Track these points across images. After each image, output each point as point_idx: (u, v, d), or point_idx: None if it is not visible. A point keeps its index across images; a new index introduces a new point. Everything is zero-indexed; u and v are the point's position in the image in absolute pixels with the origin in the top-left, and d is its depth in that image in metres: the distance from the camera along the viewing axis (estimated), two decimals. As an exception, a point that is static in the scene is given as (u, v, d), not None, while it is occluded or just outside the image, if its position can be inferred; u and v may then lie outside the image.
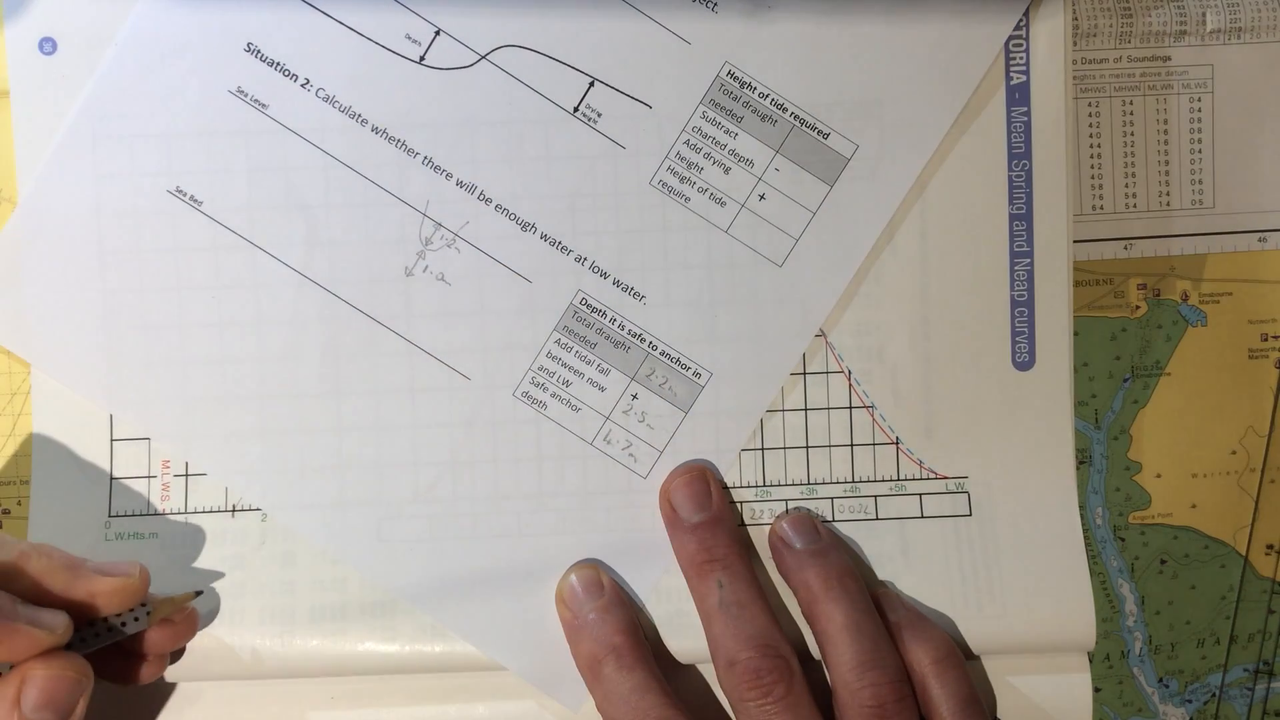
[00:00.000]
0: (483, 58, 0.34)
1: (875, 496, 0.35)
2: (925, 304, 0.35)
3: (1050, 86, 0.35)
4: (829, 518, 0.35)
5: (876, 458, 0.35)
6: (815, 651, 0.34)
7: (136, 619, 0.31)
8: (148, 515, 0.35)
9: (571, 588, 0.34)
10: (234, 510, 0.35)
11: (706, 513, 0.34)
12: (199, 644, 0.34)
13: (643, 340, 0.35)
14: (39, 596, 0.29)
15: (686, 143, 0.35)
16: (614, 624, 0.33)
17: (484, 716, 0.35)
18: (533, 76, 0.34)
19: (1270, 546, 0.39)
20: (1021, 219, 0.35)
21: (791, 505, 0.35)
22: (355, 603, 0.34)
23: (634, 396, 0.35)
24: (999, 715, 0.35)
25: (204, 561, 0.34)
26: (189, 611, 0.33)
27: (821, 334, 0.35)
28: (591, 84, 0.35)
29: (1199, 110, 0.38)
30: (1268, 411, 0.39)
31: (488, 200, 0.35)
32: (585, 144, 0.35)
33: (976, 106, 0.35)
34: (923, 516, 0.35)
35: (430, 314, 0.35)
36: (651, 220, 0.35)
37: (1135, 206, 0.38)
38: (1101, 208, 0.38)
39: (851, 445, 0.35)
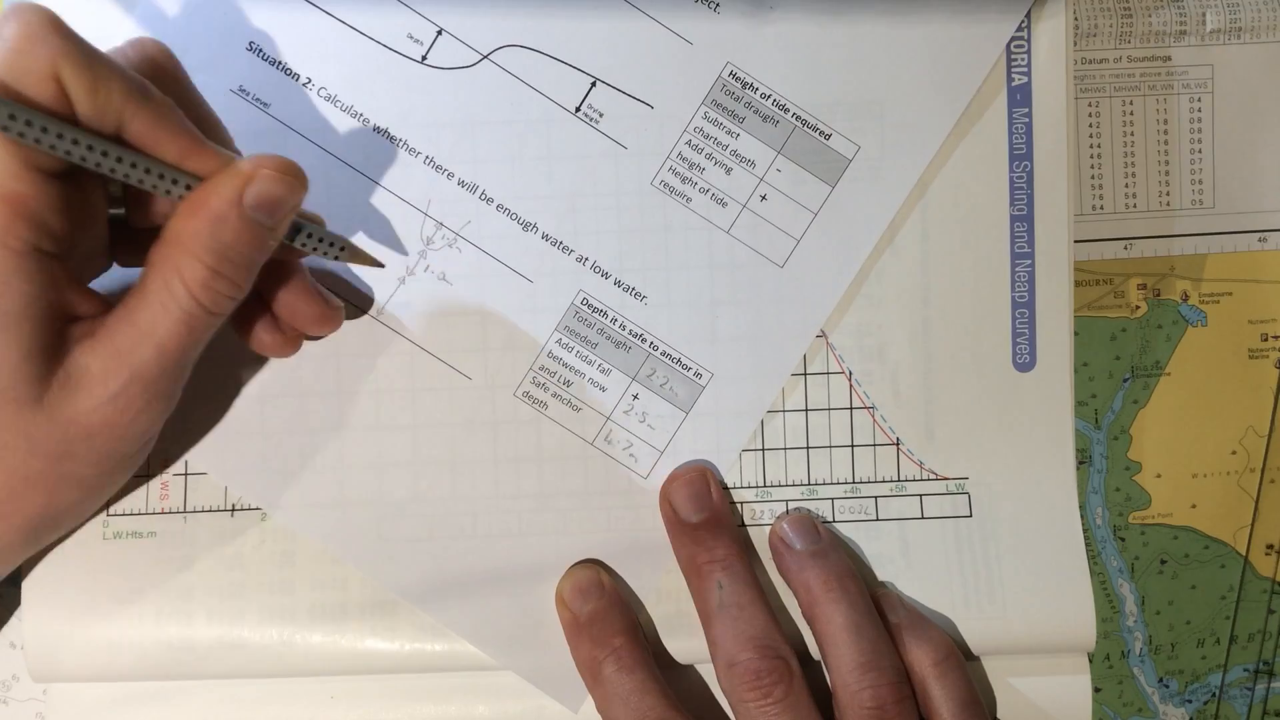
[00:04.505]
0: (485, 57, 0.34)
1: (876, 497, 0.35)
2: (926, 305, 0.35)
3: (1051, 87, 0.35)
4: (829, 518, 0.35)
5: (877, 458, 0.35)
6: (815, 652, 0.34)
7: (333, 244, 0.31)
8: (147, 514, 0.35)
9: (571, 588, 0.34)
10: (233, 509, 0.35)
11: (706, 513, 0.34)
12: (199, 642, 0.34)
13: (644, 340, 0.35)
14: None
15: (688, 143, 0.35)
16: (614, 624, 0.33)
17: (484, 716, 0.35)
18: (534, 76, 0.34)
19: (1270, 546, 0.39)
20: (1023, 220, 0.35)
21: (792, 506, 0.35)
22: (355, 602, 0.34)
23: (635, 397, 0.35)
24: (999, 716, 0.35)
25: (204, 561, 0.34)
26: (337, 306, 0.33)
27: (822, 334, 0.35)
28: (593, 84, 0.34)
29: (1199, 110, 0.38)
30: (1268, 411, 0.39)
31: (489, 200, 0.35)
32: (587, 144, 0.35)
33: (978, 108, 0.35)
34: (923, 517, 0.35)
35: (431, 313, 0.35)
36: (653, 220, 0.35)
37: (1135, 206, 0.38)
38: (1102, 208, 0.38)
39: (852, 446, 0.35)
